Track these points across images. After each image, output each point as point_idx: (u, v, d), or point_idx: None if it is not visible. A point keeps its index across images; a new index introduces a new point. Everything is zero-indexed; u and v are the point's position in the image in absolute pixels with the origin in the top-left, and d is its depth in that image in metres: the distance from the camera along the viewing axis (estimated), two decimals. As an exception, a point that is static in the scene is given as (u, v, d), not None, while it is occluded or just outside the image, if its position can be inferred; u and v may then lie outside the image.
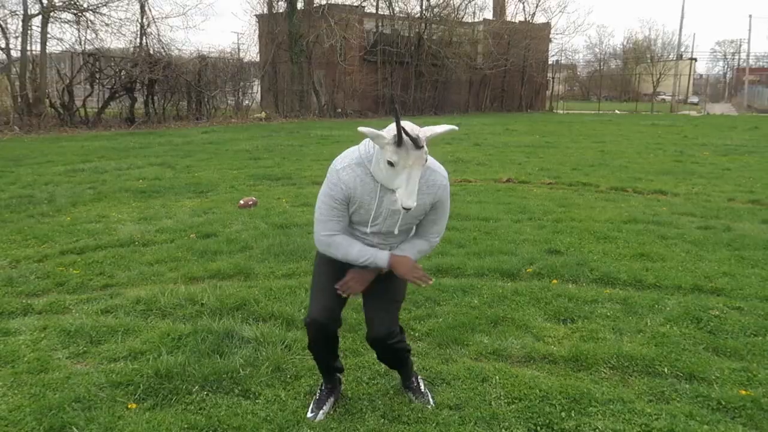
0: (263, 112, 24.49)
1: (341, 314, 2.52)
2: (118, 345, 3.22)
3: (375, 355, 2.87)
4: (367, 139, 2.23)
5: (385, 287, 2.43)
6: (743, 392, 2.71)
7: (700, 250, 5.04)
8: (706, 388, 2.79)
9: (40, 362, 3.02)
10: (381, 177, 2.18)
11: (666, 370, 2.96)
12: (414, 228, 2.44)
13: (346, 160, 2.27)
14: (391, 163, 2.10)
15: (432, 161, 2.29)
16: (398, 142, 2.06)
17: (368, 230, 2.32)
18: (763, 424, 2.51)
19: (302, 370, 2.96)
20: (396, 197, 2.15)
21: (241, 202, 6.91)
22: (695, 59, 52.07)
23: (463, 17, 31.46)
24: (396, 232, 2.34)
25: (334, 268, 2.42)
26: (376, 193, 2.24)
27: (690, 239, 5.36)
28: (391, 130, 2.10)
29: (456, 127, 2.27)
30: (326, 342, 2.52)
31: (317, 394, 2.67)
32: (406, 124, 2.08)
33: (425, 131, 2.14)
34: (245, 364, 2.96)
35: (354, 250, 2.31)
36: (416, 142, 2.06)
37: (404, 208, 2.11)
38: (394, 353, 2.56)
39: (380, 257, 2.30)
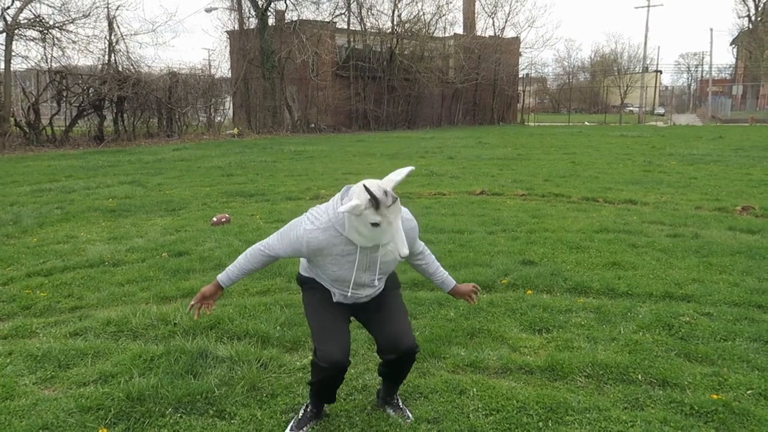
0: (236, 129, 24.35)
1: None
2: (87, 368, 3.13)
3: (351, 372, 2.83)
4: (335, 200, 2.29)
5: (394, 303, 2.51)
6: (715, 397, 2.76)
7: (669, 257, 5.14)
8: (679, 393, 2.83)
9: (6, 389, 2.93)
10: (367, 238, 2.23)
11: (640, 377, 3.00)
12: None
13: (315, 222, 2.30)
14: (375, 224, 2.15)
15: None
16: (376, 206, 2.11)
17: (350, 287, 2.37)
18: (734, 427, 2.55)
19: (278, 388, 2.92)
20: (389, 249, 2.29)
21: (214, 219, 6.83)
22: (660, 71, 53.53)
23: (433, 32, 31.88)
24: (376, 283, 2.43)
25: (333, 305, 2.45)
26: (356, 254, 2.29)
27: (660, 247, 5.47)
28: (360, 194, 2.13)
29: (413, 168, 2.36)
30: (343, 377, 2.51)
31: (300, 413, 2.63)
32: (371, 184, 2.12)
33: (388, 184, 2.18)
34: (220, 384, 2.91)
35: (240, 261, 2.46)
36: (392, 199, 2.13)
37: (402, 257, 2.22)
38: (411, 363, 2.58)
39: (221, 275, 2.47)
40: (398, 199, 2.16)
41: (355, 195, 2.14)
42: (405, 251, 2.17)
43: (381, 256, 2.35)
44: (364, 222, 2.16)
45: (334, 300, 2.46)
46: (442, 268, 2.65)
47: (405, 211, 2.39)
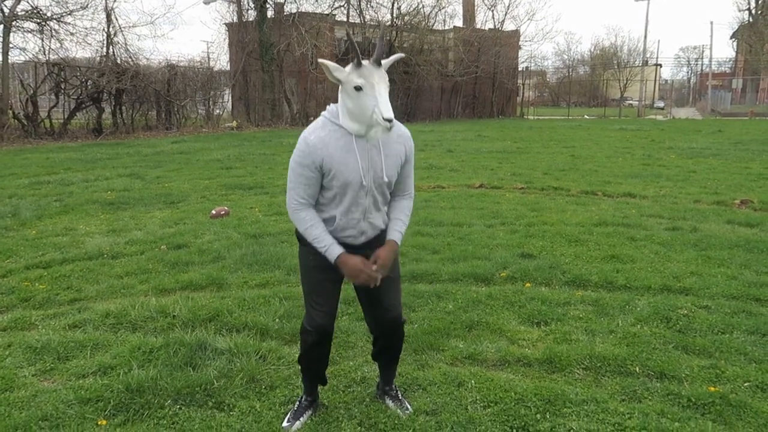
0: (234, 121, 24.29)
1: None
2: (86, 360, 3.14)
3: (349, 364, 2.83)
4: (330, 104, 2.34)
5: (390, 270, 2.44)
6: (712, 389, 2.77)
7: (668, 250, 5.15)
8: (676, 385, 2.84)
9: (5, 380, 2.93)
10: (355, 115, 2.22)
11: (637, 369, 3.01)
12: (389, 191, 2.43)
13: (311, 128, 2.33)
14: (358, 88, 2.16)
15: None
16: (358, 62, 2.15)
17: (365, 183, 2.29)
18: (731, 419, 2.57)
19: (277, 380, 2.93)
20: (374, 116, 2.17)
21: (213, 212, 6.83)
22: (660, 65, 53.31)
23: (433, 25, 31.74)
24: (385, 179, 2.32)
25: (327, 272, 2.38)
26: (353, 143, 2.27)
27: (658, 240, 5.47)
28: (346, 67, 2.22)
29: (403, 54, 2.47)
30: (326, 348, 2.52)
31: (296, 405, 2.65)
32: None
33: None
34: (219, 376, 2.92)
35: (314, 231, 2.31)
36: (375, 60, 2.17)
37: (386, 120, 2.15)
38: (400, 337, 2.58)
39: (332, 251, 2.30)
40: (382, 66, 2.20)
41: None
42: (388, 113, 2.13)
43: (382, 148, 2.29)
44: (349, 92, 2.18)
45: (341, 233, 2.35)
46: (402, 222, 2.44)
47: (403, 128, 2.39)
